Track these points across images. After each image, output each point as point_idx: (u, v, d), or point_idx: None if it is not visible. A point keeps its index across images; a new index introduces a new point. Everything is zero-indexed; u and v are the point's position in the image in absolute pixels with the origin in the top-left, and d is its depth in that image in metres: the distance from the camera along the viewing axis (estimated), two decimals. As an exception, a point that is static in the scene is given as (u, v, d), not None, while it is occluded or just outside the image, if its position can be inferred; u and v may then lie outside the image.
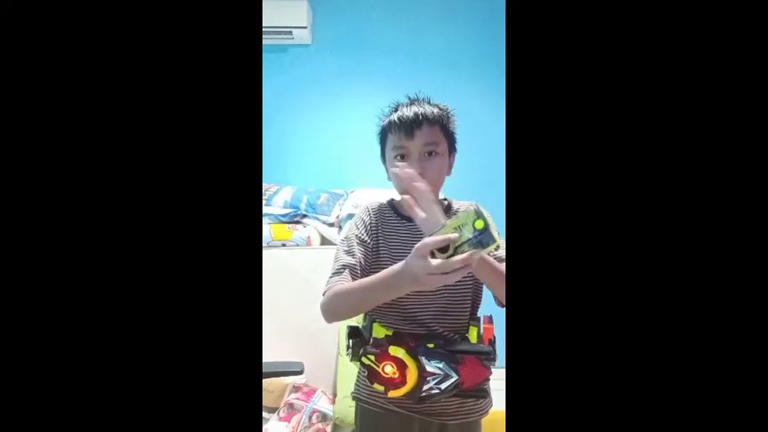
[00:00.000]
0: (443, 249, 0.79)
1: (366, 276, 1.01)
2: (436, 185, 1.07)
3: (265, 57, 2.40)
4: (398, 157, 1.04)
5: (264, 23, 2.46)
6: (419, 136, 1.02)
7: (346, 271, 1.02)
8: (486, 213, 0.79)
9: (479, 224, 0.78)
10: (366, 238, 1.07)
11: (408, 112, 1.04)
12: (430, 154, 1.03)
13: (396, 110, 1.08)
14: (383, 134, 1.10)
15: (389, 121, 1.07)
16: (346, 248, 1.06)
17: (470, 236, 0.78)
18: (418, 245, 0.80)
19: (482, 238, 0.78)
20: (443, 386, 0.91)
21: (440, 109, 1.07)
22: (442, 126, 1.06)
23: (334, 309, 1.00)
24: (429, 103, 1.08)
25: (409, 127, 1.02)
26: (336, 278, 1.01)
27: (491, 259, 0.95)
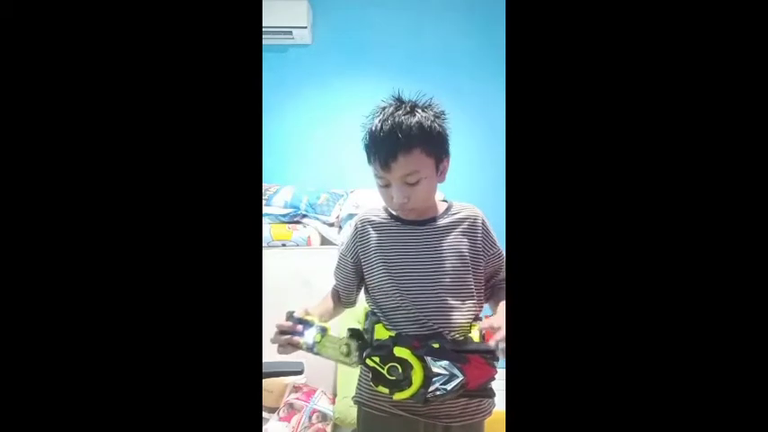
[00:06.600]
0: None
1: (355, 288, 1.15)
2: (424, 205, 1.06)
3: (265, 57, 2.39)
4: (384, 188, 1.04)
5: (264, 23, 2.45)
6: (395, 169, 0.98)
7: (331, 290, 1.17)
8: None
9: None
10: (348, 258, 1.14)
11: (383, 139, 0.98)
12: (411, 183, 1.00)
13: (372, 128, 1.02)
14: (367, 149, 1.06)
15: (366, 146, 1.03)
16: (336, 267, 1.17)
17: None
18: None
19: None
20: (449, 386, 0.90)
21: (420, 123, 0.98)
22: (422, 147, 0.98)
23: None
24: (410, 110, 1.00)
25: (384, 161, 0.98)
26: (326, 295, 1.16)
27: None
